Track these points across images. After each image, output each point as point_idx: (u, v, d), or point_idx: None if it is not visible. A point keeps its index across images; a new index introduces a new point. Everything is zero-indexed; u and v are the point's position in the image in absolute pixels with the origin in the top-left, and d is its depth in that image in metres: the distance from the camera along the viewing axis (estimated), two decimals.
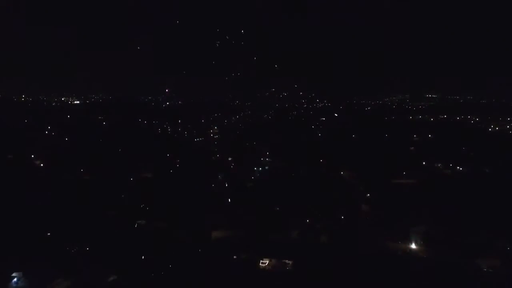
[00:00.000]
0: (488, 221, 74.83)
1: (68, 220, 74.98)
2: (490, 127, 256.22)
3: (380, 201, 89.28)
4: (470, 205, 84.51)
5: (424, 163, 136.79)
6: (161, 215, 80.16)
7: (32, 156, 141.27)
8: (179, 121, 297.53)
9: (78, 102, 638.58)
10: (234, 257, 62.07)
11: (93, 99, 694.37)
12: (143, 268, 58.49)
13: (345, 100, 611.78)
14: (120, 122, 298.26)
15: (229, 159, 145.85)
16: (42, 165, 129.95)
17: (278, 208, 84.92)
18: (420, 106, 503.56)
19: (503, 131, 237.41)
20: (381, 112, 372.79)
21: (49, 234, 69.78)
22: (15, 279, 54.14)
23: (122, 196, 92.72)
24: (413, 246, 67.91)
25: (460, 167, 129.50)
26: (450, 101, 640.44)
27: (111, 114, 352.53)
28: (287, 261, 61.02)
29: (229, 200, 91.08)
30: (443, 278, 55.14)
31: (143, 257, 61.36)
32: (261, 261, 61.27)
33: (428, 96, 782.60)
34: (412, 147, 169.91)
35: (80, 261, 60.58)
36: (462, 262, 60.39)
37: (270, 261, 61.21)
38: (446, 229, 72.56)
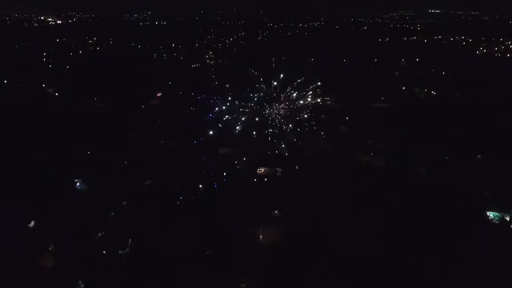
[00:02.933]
0: (444, 137, 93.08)
1: (101, 142, 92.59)
2: (479, 49, 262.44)
3: (356, 122, 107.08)
4: (433, 125, 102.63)
5: (404, 88, 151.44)
6: (176, 136, 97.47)
7: (43, 85, 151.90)
8: (173, 44, 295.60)
9: (60, 22, 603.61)
10: (238, 166, 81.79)
11: (75, 19, 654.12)
12: (171, 174, 77.66)
13: (342, 18, 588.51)
14: (113, 46, 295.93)
15: (227, 85, 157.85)
16: (57, 94, 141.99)
17: (271, 130, 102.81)
18: (419, 24, 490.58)
19: (489, 54, 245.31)
20: (376, 33, 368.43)
21: (88, 152, 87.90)
22: (78, 184, 73.77)
23: (140, 120, 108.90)
24: (373, 158, 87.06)
25: (434, 92, 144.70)
26: (451, 18, 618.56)
27: (101, 36, 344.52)
28: (277, 168, 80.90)
29: (231, 123, 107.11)
30: (392, 182, 74.31)
31: (169, 167, 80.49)
32: (258, 169, 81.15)
33: (431, 12, 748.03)
34: (397, 72, 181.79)
35: (120, 170, 79.87)
36: (409, 168, 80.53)
37: (265, 169, 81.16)
38: (405, 144, 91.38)
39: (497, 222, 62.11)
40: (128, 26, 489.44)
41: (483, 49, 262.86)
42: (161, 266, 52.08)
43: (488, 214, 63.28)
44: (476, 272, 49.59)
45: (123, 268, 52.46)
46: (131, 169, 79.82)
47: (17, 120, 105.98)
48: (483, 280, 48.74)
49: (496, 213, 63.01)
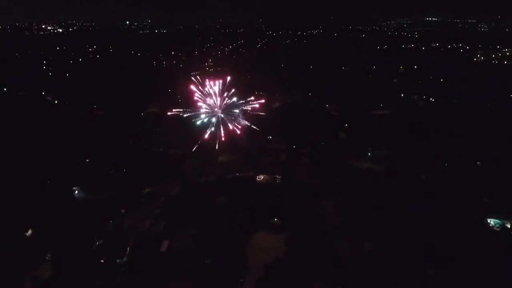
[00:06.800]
0: (444, 144, 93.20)
1: (99, 150, 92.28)
2: (476, 57, 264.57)
3: (355, 129, 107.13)
4: (432, 132, 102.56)
5: (402, 95, 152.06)
6: (175, 144, 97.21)
7: (43, 93, 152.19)
8: (172, 52, 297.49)
9: (61, 30, 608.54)
10: (237, 174, 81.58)
11: (75, 27, 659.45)
12: (167, 184, 77.35)
13: (340, 26, 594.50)
14: (113, 54, 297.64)
15: (225, 93, 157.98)
16: (56, 101, 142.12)
17: (270, 137, 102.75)
18: (416, 32, 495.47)
19: (487, 61, 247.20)
20: (375, 40, 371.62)
21: (87, 160, 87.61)
22: (76, 192, 73.40)
23: (139, 128, 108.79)
24: (373, 164, 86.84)
25: (432, 98, 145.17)
26: (449, 26, 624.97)
27: (101, 44, 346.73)
28: (277, 176, 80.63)
29: (229, 131, 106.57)
30: (392, 189, 73.66)
31: (165, 176, 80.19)
32: (257, 176, 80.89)
33: (429, 20, 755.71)
34: (395, 79, 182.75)
35: (118, 178, 79.57)
36: (409, 175, 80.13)
37: (264, 176, 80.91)
38: (405, 150, 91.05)
39: (498, 229, 61.80)
40: (128, 34, 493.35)
41: (480, 56, 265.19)
42: (159, 275, 51.52)
43: (489, 221, 62.99)
44: (478, 278, 49.28)
45: (121, 277, 51.88)
46: (129, 177, 79.56)
47: (16, 127, 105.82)
48: (485, 286, 48.64)
49: (497, 220, 62.74)
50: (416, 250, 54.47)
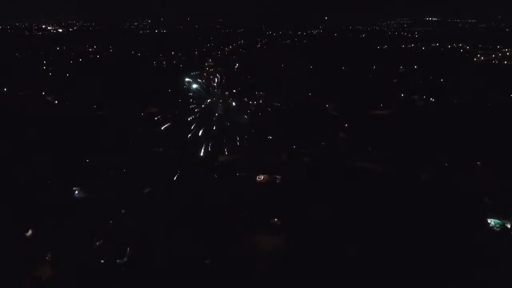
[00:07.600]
0: (443, 144, 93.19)
1: (99, 149, 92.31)
2: (476, 57, 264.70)
3: (355, 129, 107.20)
4: (432, 132, 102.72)
5: (402, 95, 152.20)
6: (175, 144, 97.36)
7: (43, 93, 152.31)
8: (172, 52, 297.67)
9: (61, 30, 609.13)
10: (237, 174, 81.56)
11: (75, 27, 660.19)
12: (167, 184, 77.47)
13: (340, 26, 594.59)
14: (113, 54, 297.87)
15: (226, 93, 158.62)
16: (56, 102, 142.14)
17: (270, 137, 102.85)
18: (416, 32, 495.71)
19: (487, 61, 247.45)
20: (375, 40, 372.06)
21: (87, 160, 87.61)
22: (76, 192, 73.42)
23: (138, 128, 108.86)
24: (373, 164, 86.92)
25: (432, 99, 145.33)
26: (449, 25, 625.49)
27: (101, 44, 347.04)
28: (277, 176, 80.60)
29: (230, 132, 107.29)
30: (392, 189, 73.88)
31: (165, 176, 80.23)
32: (257, 176, 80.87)
33: (429, 20, 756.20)
34: (395, 79, 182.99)
35: (117, 179, 79.56)
36: (409, 175, 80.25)
37: (264, 176, 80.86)
38: (405, 150, 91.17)
39: (498, 229, 61.79)
40: (128, 34, 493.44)
41: (480, 56, 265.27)
42: (159, 275, 51.53)
43: (489, 221, 62.98)
44: (477, 279, 49.19)
45: (121, 277, 51.87)
46: (130, 177, 79.53)
47: (16, 127, 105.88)
48: (485, 286, 48.49)
49: (497, 220, 62.72)
50: (416, 250, 54.48)
